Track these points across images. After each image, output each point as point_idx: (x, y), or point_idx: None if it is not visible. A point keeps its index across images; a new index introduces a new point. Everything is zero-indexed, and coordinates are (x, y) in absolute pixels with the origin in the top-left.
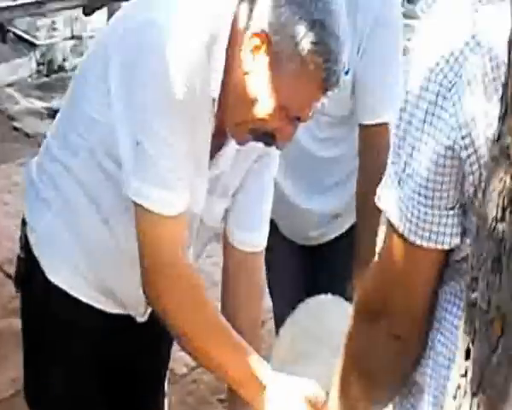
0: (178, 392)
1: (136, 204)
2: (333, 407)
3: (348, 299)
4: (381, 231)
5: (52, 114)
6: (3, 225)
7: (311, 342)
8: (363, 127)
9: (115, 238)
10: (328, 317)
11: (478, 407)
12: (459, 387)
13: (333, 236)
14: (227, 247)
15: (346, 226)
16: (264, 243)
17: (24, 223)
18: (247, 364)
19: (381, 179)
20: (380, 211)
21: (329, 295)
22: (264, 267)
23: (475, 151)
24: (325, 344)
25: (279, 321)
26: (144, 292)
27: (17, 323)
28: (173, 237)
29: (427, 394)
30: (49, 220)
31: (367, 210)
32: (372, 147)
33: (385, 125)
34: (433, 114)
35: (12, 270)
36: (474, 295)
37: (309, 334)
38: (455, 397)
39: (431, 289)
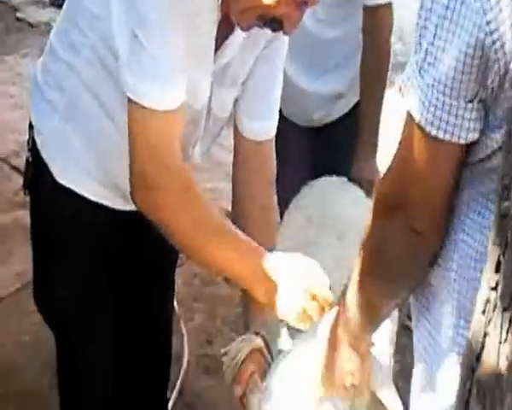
0: (184, 274)
1: (129, 99)
2: (351, 302)
3: (352, 179)
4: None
5: (53, 1)
6: (9, 118)
7: (316, 229)
8: (367, 8)
9: (121, 134)
10: (332, 201)
11: (510, 322)
12: (488, 301)
13: (336, 116)
14: (237, 136)
15: (350, 105)
16: (275, 131)
17: (31, 126)
18: (249, 260)
19: (383, 57)
20: (383, 89)
21: (334, 177)
22: (274, 154)
23: (500, 37)
24: (329, 229)
25: (284, 206)
26: (133, 195)
27: (23, 216)
28: (166, 132)
29: (452, 298)
30: (55, 122)
31: (371, 88)
32: (376, 26)
33: (389, 4)
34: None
35: (18, 162)
36: (505, 205)
37: (313, 222)
38: (484, 311)
39: (449, 186)
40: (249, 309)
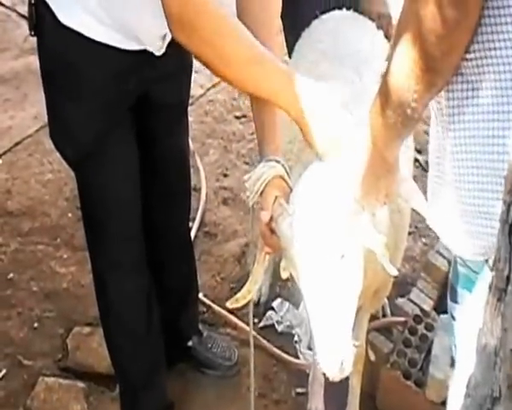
0: (196, 112)
1: None
2: (385, 106)
3: (361, 13)
4: None
5: None
6: None
7: (331, 63)
8: None
9: None
10: (345, 34)
11: None
12: None
13: None
14: None
15: None
16: None
17: None
18: (276, 75)
19: None
20: None
21: (344, 10)
22: None
23: None
24: (344, 63)
25: (293, 41)
26: (172, 35)
27: (34, 61)
28: None
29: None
30: None
31: None
32: None
33: None
34: None
35: (25, 10)
36: None
37: (327, 56)
38: None
39: None
40: (264, 137)
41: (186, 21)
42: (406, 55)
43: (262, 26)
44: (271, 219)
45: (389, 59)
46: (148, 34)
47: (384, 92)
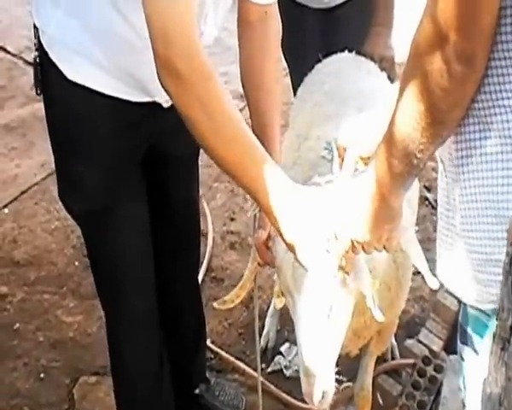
0: (202, 156)
1: None
2: (389, 154)
3: (364, 55)
4: None
5: None
6: (20, 14)
7: (335, 104)
8: None
9: (128, 23)
10: (348, 75)
11: None
12: None
13: None
14: (243, 6)
15: None
16: None
17: (35, 26)
18: (260, 170)
19: None
20: None
21: (346, 53)
22: (279, 18)
23: None
24: (348, 104)
25: (297, 84)
26: (159, 78)
27: (41, 108)
28: (182, 20)
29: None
30: (59, 19)
31: None
32: None
33: None
34: None
35: (31, 57)
36: None
37: (331, 97)
38: None
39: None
40: None
41: (172, 66)
42: (412, 108)
43: (264, 54)
44: (269, 236)
45: (394, 109)
46: (155, 85)
47: (389, 142)
